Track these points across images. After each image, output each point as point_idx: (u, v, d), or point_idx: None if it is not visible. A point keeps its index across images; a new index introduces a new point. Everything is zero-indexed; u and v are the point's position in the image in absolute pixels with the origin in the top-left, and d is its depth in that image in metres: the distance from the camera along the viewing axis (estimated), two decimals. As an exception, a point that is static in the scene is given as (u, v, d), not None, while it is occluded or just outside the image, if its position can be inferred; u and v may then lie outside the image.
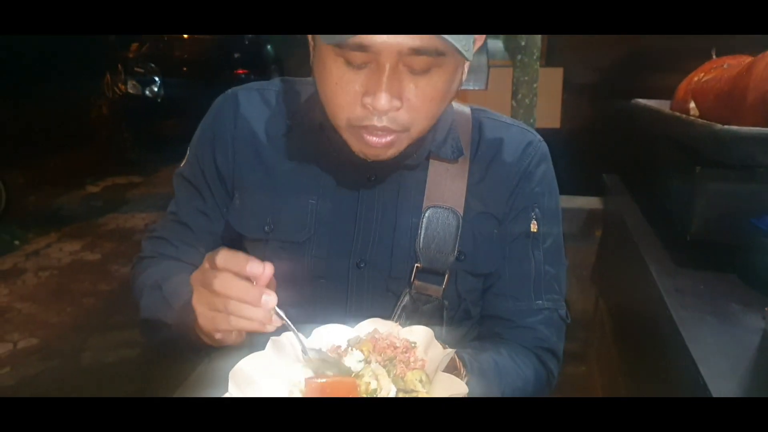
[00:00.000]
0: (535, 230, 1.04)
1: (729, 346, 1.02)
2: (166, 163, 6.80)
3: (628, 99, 1.97)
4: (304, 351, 0.81)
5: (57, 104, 6.83)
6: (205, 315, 0.78)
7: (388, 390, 0.76)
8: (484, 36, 0.90)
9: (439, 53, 0.79)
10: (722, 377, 0.92)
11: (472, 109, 1.08)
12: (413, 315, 0.98)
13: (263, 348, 0.82)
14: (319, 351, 0.82)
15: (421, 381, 0.77)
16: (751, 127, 1.24)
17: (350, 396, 0.74)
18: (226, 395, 0.75)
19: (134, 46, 8.60)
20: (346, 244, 1.00)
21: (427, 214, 0.99)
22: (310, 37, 0.88)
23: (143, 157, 7.24)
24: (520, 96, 2.75)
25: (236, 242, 1.07)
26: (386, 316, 0.97)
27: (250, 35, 8.99)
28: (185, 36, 8.72)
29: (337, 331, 0.87)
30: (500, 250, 1.03)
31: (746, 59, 1.44)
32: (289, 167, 1.02)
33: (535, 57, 2.73)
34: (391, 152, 0.89)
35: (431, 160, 1.01)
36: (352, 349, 0.82)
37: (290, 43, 9.24)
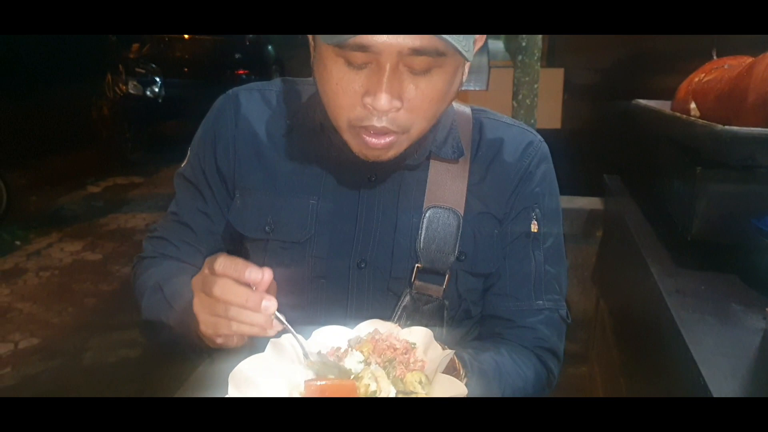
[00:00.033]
0: (536, 230, 1.04)
1: (730, 347, 1.02)
2: (167, 164, 6.82)
3: (629, 99, 1.97)
4: (306, 355, 0.81)
5: (58, 104, 6.85)
6: (206, 320, 0.79)
7: (387, 392, 0.76)
8: (484, 36, 0.90)
9: (439, 53, 0.79)
10: (723, 377, 0.92)
11: (472, 110, 1.08)
12: (414, 315, 0.98)
13: (263, 350, 0.82)
14: (319, 354, 0.82)
15: (420, 382, 0.77)
16: (751, 128, 1.24)
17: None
18: (226, 396, 0.75)
19: (135, 46, 8.61)
20: (347, 244, 1.00)
21: (427, 215, 0.99)
22: (310, 37, 0.88)
23: (144, 158, 7.25)
24: (520, 96, 2.75)
25: (237, 242, 1.08)
26: (387, 316, 0.97)
27: (251, 36, 9.01)
28: (186, 36, 8.74)
29: (337, 332, 0.87)
30: (501, 250, 1.03)
31: (747, 60, 1.44)
32: (290, 167, 1.02)
33: (535, 58, 2.73)
34: (390, 153, 0.89)
35: (432, 161, 1.01)
36: (352, 350, 0.82)
37: (291, 43, 9.28)
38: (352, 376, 0.78)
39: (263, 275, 0.75)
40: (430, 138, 0.99)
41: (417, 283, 0.98)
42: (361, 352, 0.81)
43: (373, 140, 0.85)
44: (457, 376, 0.84)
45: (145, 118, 7.75)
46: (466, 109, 1.07)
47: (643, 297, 1.47)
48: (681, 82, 1.72)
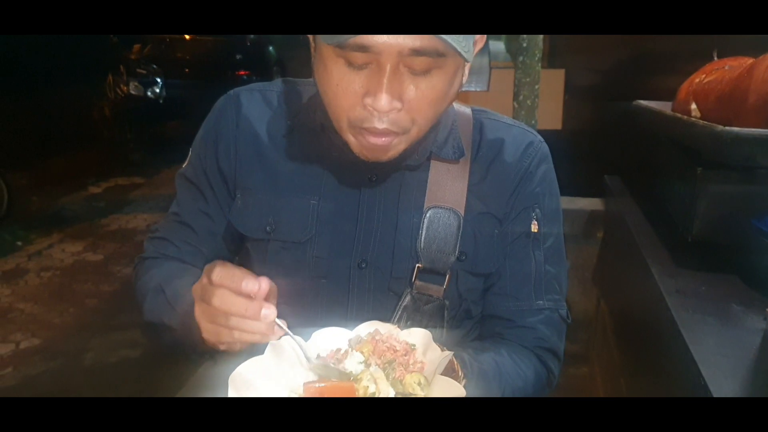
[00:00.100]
0: (536, 230, 1.04)
1: (730, 347, 1.02)
2: (168, 164, 6.81)
3: (630, 100, 1.97)
4: (307, 359, 0.82)
5: (59, 105, 6.85)
6: (208, 329, 0.80)
7: (386, 393, 0.76)
8: (484, 37, 0.91)
9: (439, 54, 0.79)
10: (723, 377, 0.92)
11: (473, 110, 1.08)
12: (414, 315, 0.99)
13: (263, 352, 0.82)
14: (318, 358, 0.82)
15: (419, 384, 0.77)
16: (752, 129, 1.24)
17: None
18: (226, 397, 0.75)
19: (136, 47, 8.63)
20: (348, 244, 1.00)
21: (428, 215, 0.99)
22: (311, 37, 0.88)
23: (145, 158, 7.25)
24: (521, 97, 2.76)
25: (238, 242, 1.08)
26: (387, 316, 0.97)
27: (251, 36, 9.02)
28: (187, 37, 8.76)
29: (337, 334, 0.87)
30: (501, 250, 1.04)
31: (747, 61, 1.44)
32: (291, 167, 1.02)
33: (536, 58, 2.74)
34: (390, 154, 0.89)
35: (432, 161, 1.01)
36: (352, 351, 0.82)
37: (292, 44, 9.29)
38: (351, 378, 0.78)
39: (260, 285, 0.75)
40: (430, 138, 0.99)
41: (417, 283, 0.99)
42: (362, 352, 0.81)
43: (374, 141, 0.86)
44: (456, 377, 0.84)
45: (146, 119, 7.77)
46: (467, 110, 1.08)
47: (643, 297, 1.47)
48: (682, 83, 1.72)
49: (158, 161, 6.98)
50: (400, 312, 0.98)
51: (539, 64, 2.76)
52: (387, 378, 0.78)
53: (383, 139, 0.86)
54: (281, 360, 0.82)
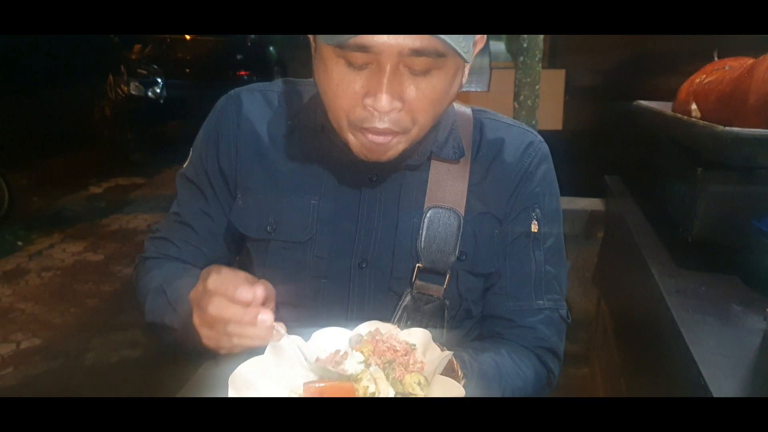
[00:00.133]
0: (536, 230, 1.04)
1: (730, 347, 1.02)
2: (169, 164, 6.82)
3: (630, 101, 1.97)
4: (308, 361, 0.82)
5: (60, 105, 6.85)
6: (207, 335, 0.81)
7: (386, 393, 0.76)
8: (485, 37, 0.91)
9: (439, 54, 0.79)
10: (723, 377, 0.92)
11: (473, 110, 1.08)
12: (414, 314, 0.99)
13: (263, 352, 0.83)
14: (318, 361, 0.82)
15: (419, 384, 0.78)
16: (752, 129, 1.24)
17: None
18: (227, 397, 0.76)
19: (137, 47, 8.64)
20: (348, 244, 1.00)
21: (428, 215, 0.99)
22: (311, 37, 0.88)
23: (146, 158, 7.25)
24: (522, 98, 2.76)
25: (239, 242, 1.08)
26: (387, 316, 0.97)
27: (252, 37, 9.02)
28: (188, 37, 8.77)
29: (337, 334, 0.88)
30: (501, 250, 1.04)
31: (748, 61, 1.44)
32: (292, 167, 1.03)
33: (537, 59, 2.74)
34: (390, 153, 0.89)
35: (433, 161, 1.01)
36: (352, 350, 0.82)
37: (293, 44, 9.30)
38: (351, 378, 0.78)
39: (255, 292, 0.76)
40: (431, 138, 0.99)
41: (418, 282, 0.99)
42: (362, 352, 0.81)
43: (373, 140, 0.86)
44: (455, 377, 0.84)
45: (146, 119, 7.78)
46: (467, 110, 1.08)
47: (643, 298, 1.47)
48: (682, 83, 1.72)
49: (159, 161, 6.99)
50: (400, 312, 0.98)
51: (540, 65, 2.76)
52: (387, 378, 0.78)
53: (384, 137, 0.86)
54: (281, 360, 0.82)
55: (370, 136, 0.86)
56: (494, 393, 0.93)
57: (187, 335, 0.87)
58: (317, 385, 0.77)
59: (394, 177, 1.00)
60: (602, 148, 3.08)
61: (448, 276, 0.99)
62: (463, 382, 0.83)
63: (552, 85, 3.31)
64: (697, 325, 1.11)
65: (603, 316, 2.32)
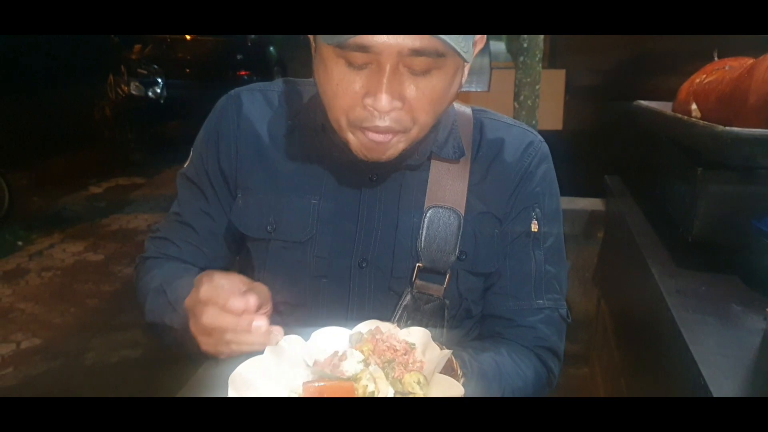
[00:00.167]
0: (536, 230, 1.04)
1: (730, 347, 1.02)
2: (169, 164, 6.82)
3: (630, 101, 1.97)
4: (307, 362, 0.82)
5: (60, 105, 6.86)
6: (204, 341, 0.82)
7: (385, 393, 0.76)
8: (485, 37, 0.91)
9: (439, 54, 0.79)
10: (723, 377, 0.92)
11: (473, 110, 1.08)
12: (414, 314, 0.99)
13: (263, 352, 0.83)
14: (316, 364, 0.82)
15: (418, 383, 0.77)
16: (752, 129, 1.24)
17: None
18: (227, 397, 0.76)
19: (137, 47, 8.63)
20: (348, 243, 1.00)
21: (428, 214, 0.99)
22: (311, 37, 0.88)
23: (146, 158, 7.25)
24: (522, 98, 2.76)
25: (239, 242, 1.08)
26: (388, 316, 0.97)
27: (252, 37, 9.02)
28: (188, 37, 8.76)
29: (336, 333, 0.87)
30: (501, 250, 1.04)
31: (748, 61, 1.44)
32: (292, 167, 1.03)
33: (537, 59, 2.74)
34: (389, 153, 0.89)
35: (433, 161, 1.01)
36: (352, 350, 0.82)
37: (293, 44, 9.29)
38: (350, 378, 0.78)
39: (247, 302, 0.76)
40: (431, 138, 0.99)
41: (418, 282, 0.99)
42: (361, 351, 0.81)
43: (373, 140, 0.86)
44: (455, 376, 0.84)
45: (147, 119, 7.78)
46: (467, 110, 1.08)
47: (644, 298, 1.47)
48: (682, 83, 1.72)
49: (159, 161, 6.99)
50: (400, 311, 0.98)
51: (540, 65, 2.76)
52: (386, 377, 0.78)
53: (384, 136, 0.86)
54: (281, 360, 0.82)
55: (371, 135, 0.86)
56: (494, 393, 0.93)
57: (187, 335, 0.88)
58: (317, 384, 0.77)
59: (394, 177, 1.00)
60: (602, 148, 3.09)
61: (448, 275, 0.99)
62: (462, 381, 0.83)
63: (552, 85, 3.31)
64: (697, 325, 1.11)
65: (603, 316, 2.32)
